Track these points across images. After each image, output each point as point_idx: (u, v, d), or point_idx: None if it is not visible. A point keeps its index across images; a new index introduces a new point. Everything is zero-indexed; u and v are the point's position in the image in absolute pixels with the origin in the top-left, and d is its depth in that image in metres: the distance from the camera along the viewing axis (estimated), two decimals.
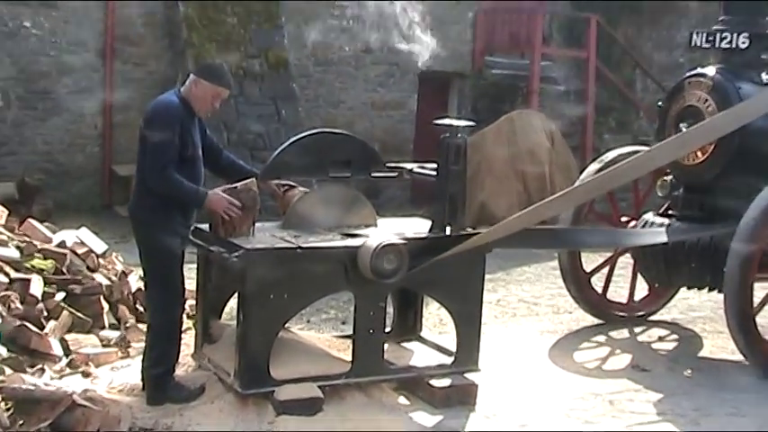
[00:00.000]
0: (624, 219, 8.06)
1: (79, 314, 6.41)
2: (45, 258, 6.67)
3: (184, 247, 5.42)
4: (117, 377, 5.78)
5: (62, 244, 6.96)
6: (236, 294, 5.45)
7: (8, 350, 5.71)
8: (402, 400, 5.66)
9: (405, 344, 6.25)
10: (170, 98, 5.31)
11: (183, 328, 5.60)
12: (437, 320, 7.69)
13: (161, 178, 5.14)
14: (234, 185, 5.38)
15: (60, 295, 6.46)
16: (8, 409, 5.08)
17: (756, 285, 6.58)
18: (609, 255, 8.20)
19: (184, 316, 5.64)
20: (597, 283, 8.14)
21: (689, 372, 6.86)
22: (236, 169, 5.70)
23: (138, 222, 5.35)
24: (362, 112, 14.99)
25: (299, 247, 5.25)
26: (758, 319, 6.64)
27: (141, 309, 6.81)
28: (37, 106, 12.66)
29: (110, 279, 6.93)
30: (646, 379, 6.61)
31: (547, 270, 10.20)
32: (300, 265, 5.24)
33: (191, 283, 5.79)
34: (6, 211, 7.23)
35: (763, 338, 6.63)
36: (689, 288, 7.66)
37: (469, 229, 5.83)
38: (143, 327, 6.23)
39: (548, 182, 13.10)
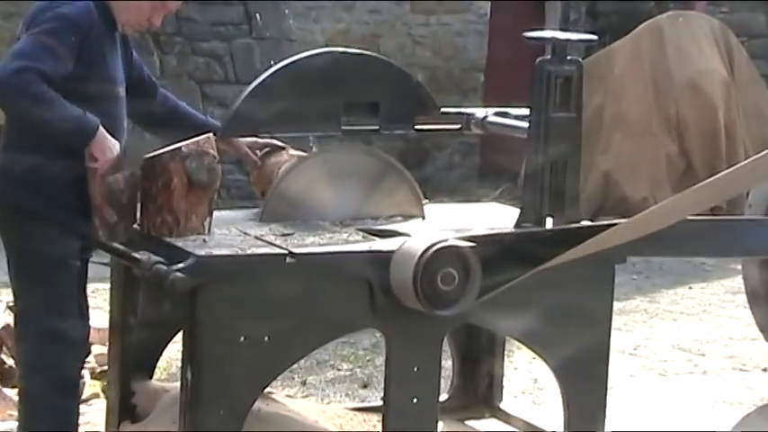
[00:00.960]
0: None
1: None
2: None
3: (89, 253, 5.49)
4: None
5: None
6: (179, 336, 5.49)
7: None
8: None
9: (472, 422, 6.32)
10: None
11: (86, 396, 5.64)
12: (529, 382, 7.77)
13: (18, 84, 4.99)
14: (177, 146, 5.37)
15: None
16: None
17: None
18: None
19: (86, 373, 5.68)
20: None
21: None
22: (181, 119, 5.78)
23: (7, 210, 5.41)
24: (396, 20, 15.05)
25: (290, 254, 5.27)
26: None
27: (10, 361, 6.88)
28: None
29: None
30: None
31: (721, 295, 10.23)
32: (292, 286, 5.26)
33: (99, 317, 5.83)
34: None
35: None
36: None
37: (586, 222, 5.83)
38: (12, 393, 6.29)
39: (722, 139, 13.09)
